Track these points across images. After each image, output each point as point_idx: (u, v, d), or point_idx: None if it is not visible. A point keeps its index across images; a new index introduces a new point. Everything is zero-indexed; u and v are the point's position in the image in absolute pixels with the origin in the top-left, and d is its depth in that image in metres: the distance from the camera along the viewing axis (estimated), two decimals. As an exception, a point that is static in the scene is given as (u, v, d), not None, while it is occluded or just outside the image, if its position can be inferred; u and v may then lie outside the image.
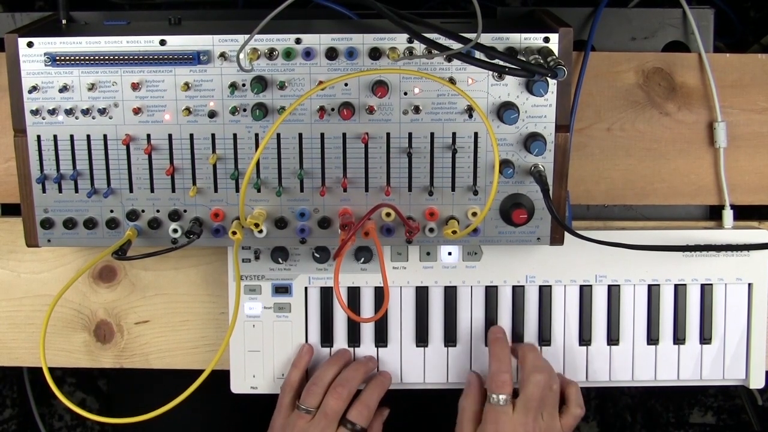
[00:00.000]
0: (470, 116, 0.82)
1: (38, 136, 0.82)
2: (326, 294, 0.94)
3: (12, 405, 1.63)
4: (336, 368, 0.91)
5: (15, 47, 0.80)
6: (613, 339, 0.95)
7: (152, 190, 0.84)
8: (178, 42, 0.80)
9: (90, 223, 0.85)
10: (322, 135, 0.82)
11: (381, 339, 0.95)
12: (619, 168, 0.95)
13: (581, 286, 0.94)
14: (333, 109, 0.82)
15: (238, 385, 0.95)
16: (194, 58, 0.80)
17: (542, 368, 0.87)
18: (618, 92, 0.94)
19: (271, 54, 0.80)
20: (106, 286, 0.97)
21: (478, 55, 0.77)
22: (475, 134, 0.82)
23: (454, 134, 0.82)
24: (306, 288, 0.94)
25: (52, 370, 0.83)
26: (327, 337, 0.94)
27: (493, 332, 0.92)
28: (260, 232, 0.84)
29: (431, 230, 0.84)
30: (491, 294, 0.94)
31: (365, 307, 0.94)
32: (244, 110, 0.82)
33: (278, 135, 0.82)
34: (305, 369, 0.93)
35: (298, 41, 0.80)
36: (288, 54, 0.80)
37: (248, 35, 0.77)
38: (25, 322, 0.97)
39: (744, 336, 0.95)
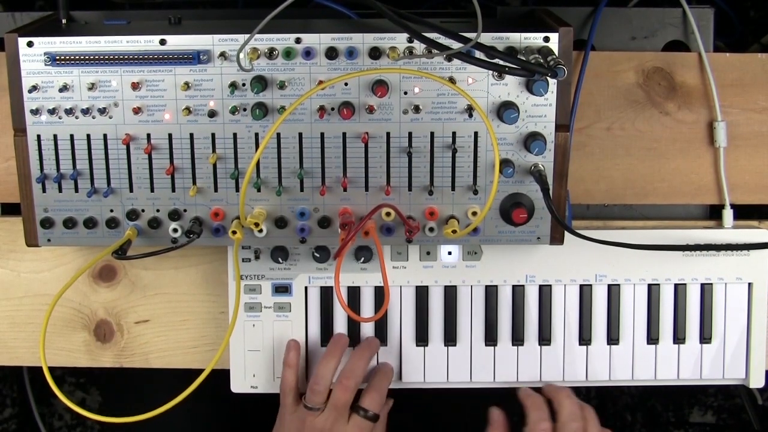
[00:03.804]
0: (470, 116, 0.82)
1: (38, 136, 0.82)
2: (326, 293, 0.94)
3: (12, 404, 1.63)
4: (336, 360, 0.90)
5: (15, 47, 0.80)
6: (613, 338, 0.95)
7: (152, 190, 0.84)
8: (178, 42, 0.80)
9: (90, 223, 0.85)
10: (322, 134, 0.82)
11: (381, 338, 0.95)
12: (619, 167, 0.95)
13: (581, 286, 0.94)
14: (333, 109, 0.82)
15: (238, 385, 0.95)
16: (194, 58, 0.80)
17: (579, 417, 0.87)
18: (618, 92, 0.94)
19: (271, 53, 0.80)
20: (106, 286, 0.97)
21: (478, 54, 0.77)
22: (475, 134, 0.82)
23: (454, 134, 0.82)
24: (306, 287, 0.94)
25: (52, 369, 0.83)
26: (327, 337, 0.94)
27: (524, 390, 0.91)
28: (260, 231, 0.84)
29: (431, 230, 0.84)
30: (491, 293, 0.94)
31: (365, 306, 0.94)
32: (244, 110, 0.82)
33: (278, 134, 0.82)
34: (297, 365, 0.92)
35: (298, 41, 0.80)
36: (288, 53, 0.80)
37: (248, 35, 0.77)
38: (25, 321, 0.97)
39: (744, 335, 0.95)
